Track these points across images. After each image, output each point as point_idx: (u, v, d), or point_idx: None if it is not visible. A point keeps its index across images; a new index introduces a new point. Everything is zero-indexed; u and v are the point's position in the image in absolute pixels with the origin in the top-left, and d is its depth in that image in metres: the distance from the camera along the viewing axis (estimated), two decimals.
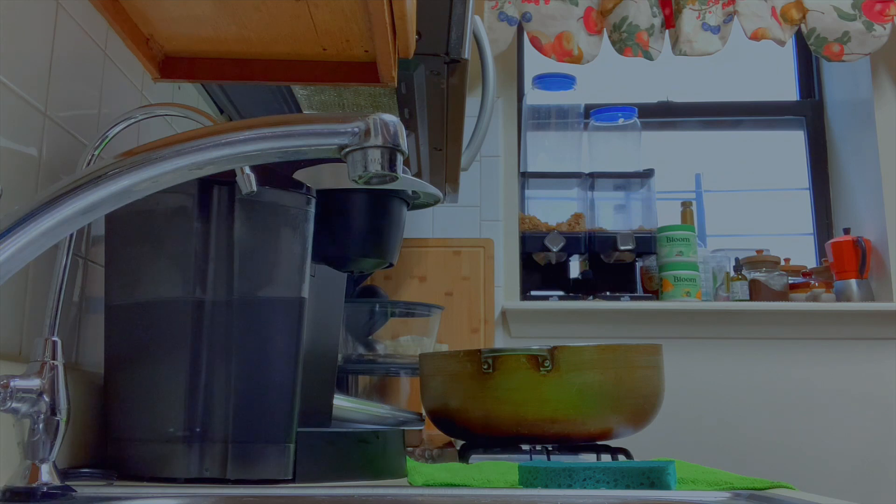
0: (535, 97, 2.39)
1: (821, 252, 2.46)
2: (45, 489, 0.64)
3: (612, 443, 1.21)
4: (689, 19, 2.24)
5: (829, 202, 2.53)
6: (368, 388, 1.72)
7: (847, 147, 2.48)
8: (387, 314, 1.59)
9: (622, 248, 2.24)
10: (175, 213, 0.83)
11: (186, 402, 0.80)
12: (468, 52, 1.07)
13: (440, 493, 0.77)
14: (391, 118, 0.52)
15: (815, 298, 2.29)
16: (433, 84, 1.14)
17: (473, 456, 1.17)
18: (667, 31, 2.28)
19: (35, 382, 0.65)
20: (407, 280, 2.21)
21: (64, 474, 0.69)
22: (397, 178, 0.52)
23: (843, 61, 2.26)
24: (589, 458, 1.22)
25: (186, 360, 0.81)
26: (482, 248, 2.24)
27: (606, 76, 2.59)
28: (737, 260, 2.35)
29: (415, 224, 2.24)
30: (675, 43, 2.26)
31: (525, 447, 1.19)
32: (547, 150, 2.38)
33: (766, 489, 0.78)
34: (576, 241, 2.28)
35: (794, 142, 2.62)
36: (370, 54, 0.91)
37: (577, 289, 2.32)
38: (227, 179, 0.81)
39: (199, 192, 0.83)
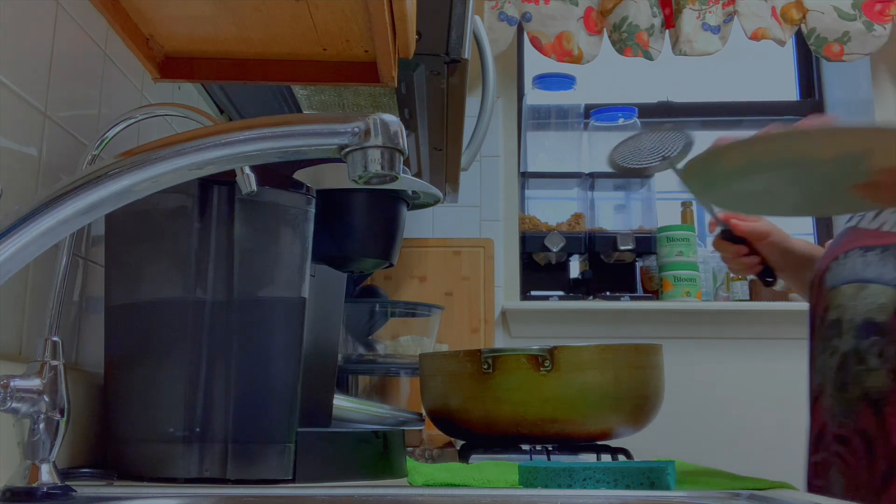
0: (535, 97, 2.39)
1: None
2: (45, 489, 0.64)
3: (612, 443, 1.21)
4: (689, 19, 2.24)
5: None
6: (368, 388, 1.72)
7: None
8: (387, 314, 1.59)
9: (622, 248, 2.24)
10: (175, 213, 0.83)
11: (186, 402, 0.80)
12: (468, 52, 1.07)
13: (440, 493, 0.77)
14: (391, 118, 0.52)
15: None
16: (433, 84, 1.14)
17: (473, 456, 1.17)
18: (667, 31, 2.27)
19: (35, 382, 0.64)
20: (407, 280, 2.21)
21: (64, 474, 0.69)
22: (397, 178, 0.52)
23: (843, 61, 2.26)
24: (589, 458, 1.22)
25: (186, 360, 0.81)
26: (482, 248, 2.24)
27: (606, 76, 2.58)
28: None
29: (415, 224, 2.24)
30: (675, 43, 2.25)
31: (525, 447, 1.19)
32: (547, 150, 2.38)
33: (766, 489, 0.78)
34: (576, 241, 2.28)
35: None
36: (370, 54, 0.91)
37: (577, 289, 2.32)
38: (227, 179, 0.81)
39: (199, 192, 0.83)
